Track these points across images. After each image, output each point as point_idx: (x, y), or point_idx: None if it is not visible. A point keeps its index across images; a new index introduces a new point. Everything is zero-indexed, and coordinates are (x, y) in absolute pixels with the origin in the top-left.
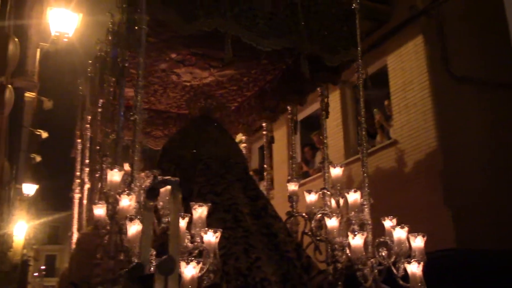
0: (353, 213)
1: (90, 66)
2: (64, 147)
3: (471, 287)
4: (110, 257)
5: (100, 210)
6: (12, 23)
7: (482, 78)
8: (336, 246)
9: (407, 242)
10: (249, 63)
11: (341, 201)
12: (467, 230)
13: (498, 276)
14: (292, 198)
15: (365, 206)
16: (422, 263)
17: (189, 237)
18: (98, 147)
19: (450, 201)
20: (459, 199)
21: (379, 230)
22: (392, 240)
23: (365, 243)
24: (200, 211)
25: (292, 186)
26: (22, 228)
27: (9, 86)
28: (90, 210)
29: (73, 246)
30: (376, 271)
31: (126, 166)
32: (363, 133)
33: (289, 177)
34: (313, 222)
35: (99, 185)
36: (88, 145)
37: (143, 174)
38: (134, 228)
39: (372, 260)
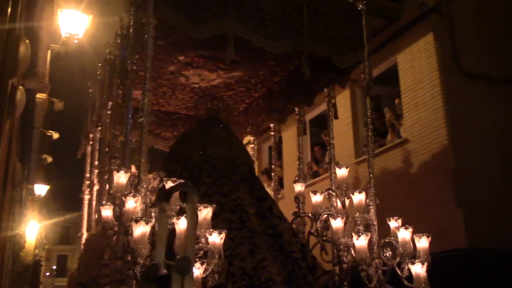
0: (358, 213)
1: (99, 69)
2: (75, 147)
3: (483, 287)
4: (117, 258)
5: (107, 212)
6: (23, 25)
7: (493, 75)
8: (341, 246)
9: (411, 242)
10: (256, 65)
11: (347, 201)
12: (479, 229)
13: (511, 276)
14: (299, 198)
15: (371, 207)
16: (426, 263)
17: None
18: (107, 149)
19: (461, 200)
20: (471, 198)
21: (387, 230)
22: (397, 241)
23: (371, 243)
24: (205, 212)
25: (299, 187)
26: (34, 229)
27: (21, 87)
28: (99, 211)
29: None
30: (380, 271)
31: (134, 168)
32: (370, 134)
33: (296, 178)
34: (318, 222)
35: (107, 186)
36: (97, 147)
37: (150, 175)
38: (139, 230)
39: (376, 260)
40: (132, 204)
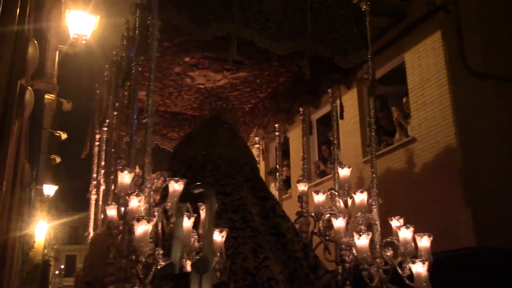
0: (359, 213)
1: (107, 70)
2: (83, 148)
3: (492, 286)
4: (122, 257)
5: (112, 211)
6: (32, 26)
7: (501, 73)
8: (343, 246)
9: (412, 242)
10: (261, 65)
11: (350, 201)
12: (487, 228)
13: None
14: (302, 198)
15: (373, 206)
16: (427, 263)
17: (196, 236)
18: (113, 150)
19: (469, 199)
20: (478, 196)
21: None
22: (399, 240)
23: (373, 243)
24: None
25: (302, 187)
26: (43, 229)
27: (29, 88)
28: (104, 211)
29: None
30: (381, 270)
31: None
32: (373, 134)
33: (300, 178)
34: (321, 222)
35: (112, 186)
36: (104, 147)
37: (154, 175)
38: (141, 228)
39: (378, 260)
40: (136, 203)
